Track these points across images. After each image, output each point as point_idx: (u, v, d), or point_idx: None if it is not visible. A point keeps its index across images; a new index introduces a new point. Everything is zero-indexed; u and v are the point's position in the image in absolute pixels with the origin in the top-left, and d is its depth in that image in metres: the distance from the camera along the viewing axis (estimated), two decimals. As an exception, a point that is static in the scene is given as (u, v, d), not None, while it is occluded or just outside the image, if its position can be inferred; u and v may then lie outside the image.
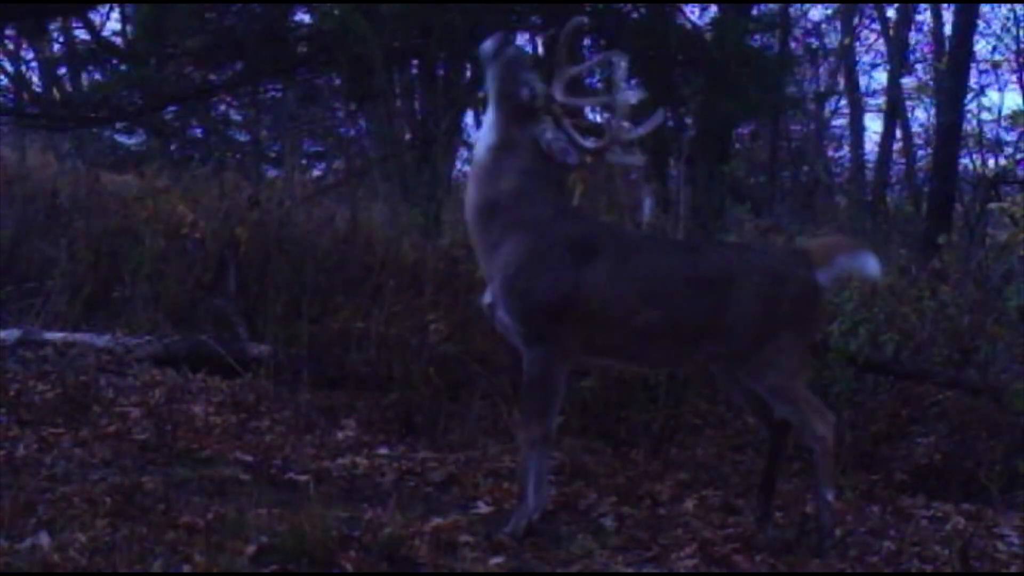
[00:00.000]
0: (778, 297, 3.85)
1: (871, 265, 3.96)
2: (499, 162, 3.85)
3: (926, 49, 17.73)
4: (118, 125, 11.94)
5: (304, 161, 13.78)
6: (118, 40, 10.68)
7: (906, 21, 17.28)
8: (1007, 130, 15.95)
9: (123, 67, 9.69)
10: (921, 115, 18.83)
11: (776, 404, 3.90)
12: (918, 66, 18.27)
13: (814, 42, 17.35)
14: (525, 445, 3.84)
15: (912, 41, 17.76)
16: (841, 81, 18.82)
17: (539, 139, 3.83)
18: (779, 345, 3.82)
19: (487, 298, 3.90)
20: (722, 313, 3.82)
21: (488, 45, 3.90)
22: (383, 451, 4.77)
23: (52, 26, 10.92)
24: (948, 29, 14.81)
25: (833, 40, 18.35)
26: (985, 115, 16.61)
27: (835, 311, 5.26)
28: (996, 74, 17.18)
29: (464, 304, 5.44)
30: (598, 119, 9.89)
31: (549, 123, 3.85)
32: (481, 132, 3.98)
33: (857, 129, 18.01)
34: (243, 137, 15.19)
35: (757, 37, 10.30)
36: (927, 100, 18.30)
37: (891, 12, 17.48)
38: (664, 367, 4.38)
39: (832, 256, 3.94)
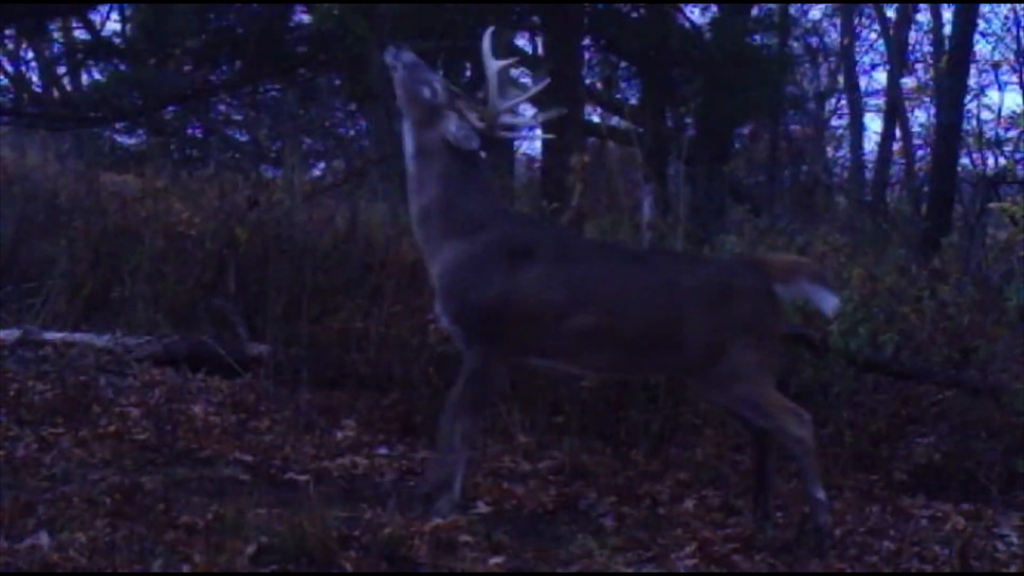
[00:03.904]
0: (728, 307, 3.86)
1: (829, 302, 3.96)
2: (421, 170, 3.95)
3: (926, 49, 17.75)
4: (118, 125, 11.93)
5: (304, 161, 13.78)
6: (118, 40, 10.65)
7: (906, 21, 17.28)
8: (1006, 129, 15.95)
9: (123, 67, 9.68)
10: (921, 115, 18.85)
11: (747, 414, 3.91)
12: (918, 66, 18.29)
13: (814, 42, 17.35)
14: (458, 437, 3.90)
15: (912, 41, 17.79)
16: (841, 81, 18.82)
17: (446, 134, 3.90)
18: (737, 356, 3.83)
19: (437, 309, 3.99)
20: (672, 325, 3.85)
21: (388, 55, 4.01)
22: (383, 451, 4.78)
23: (52, 26, 10.90)
24: (948, 29, 14.81)
25: (833, 40, 18.36)
26: (985, 115, 16.64)
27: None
28: (996, 74, 17.22)
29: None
30: (596, 119, 9.86)
31: (454, 117, 3.93)
32: (404, 143, 4.06)
33: (857, 129, 17.99)
34: (243, 137, 15.19)
35: (757, 37, 10.28)
36: (927, 100, 18.30)
37: (891, 12, 17.49)
38: (616, 373, 4.42)
39: (794, 275, 3.94)
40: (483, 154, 4.06)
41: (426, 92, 3.95)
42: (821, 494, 3.84)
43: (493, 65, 3.93)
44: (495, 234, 3.90)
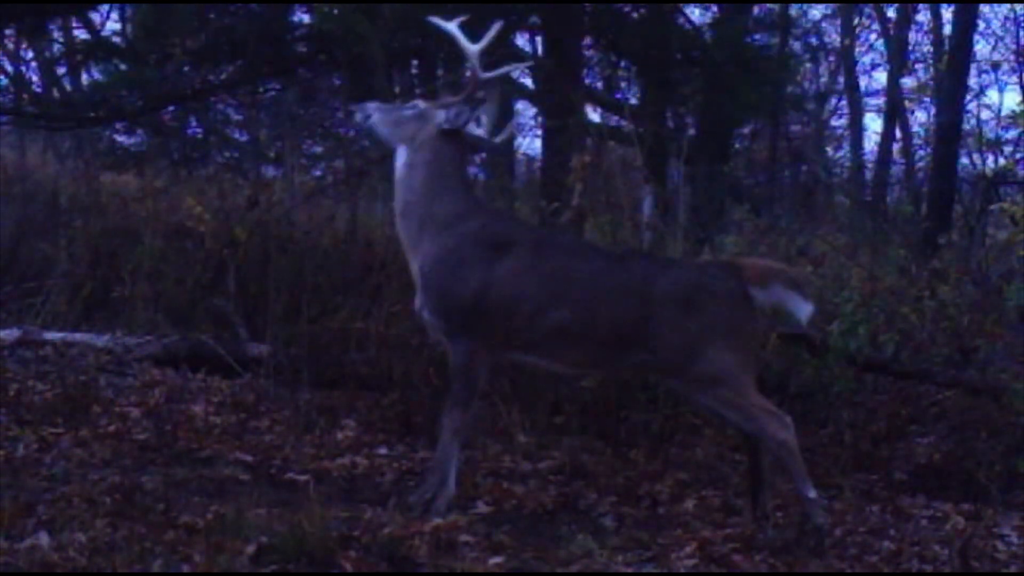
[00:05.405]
0: (702, 310, 3.89)
1: (804, 310, 3.97)
2: (411, 164, 4.07)
3: (926, 49, 17.75)
4: (118, 125, 11.91)
5: (304, 161, 13.77)
6: (118, 40, 10.64)
7: (906, 21, 17.29)
8: (1006, 129, 15.95)
9: (123, 67, 9.67)
10: (921, 115, 18.86)
11: (728, 415, 3.94)
12: (918, 66, 18.29)
13: (814, 41, 17.36)
14: (448, 433, 3.95)
15: (912, 41, 17.79)
16: (841, 81, 18.83)
17: (440, 125, 4.04)
18: (714, 359, 3.85)
19: (418, 302, 4.04)
20: (644, 324, 3.88)
21: (358, 116, 4.20)
22: (383, 451, 4.78)
23: (52, 26, 10.90)
24: (948, 29, 14.82)
25: (833, 40, 18.36)
26: (985, 115, 16.65)
27: (835, 311, 5.26)
28: (996, 74, 17.22)
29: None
30: (597, 119, 9.85)
31: (440, 110, 4.10)
32: (398, 156, 4.14)
33: (857, 129, 18.01)
34: (243, 137, 15.16)
35: (757, 37, 10.28)
36: (927, 100, 18.31)
37: (891, 12, 17.49)
38: (592, 370, 4.45)
39: (770, 280, 3.96)
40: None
41: (408, 111, 4.13)
42: (813, 493, 3.85)
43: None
44: (475, 227, 3.98)
